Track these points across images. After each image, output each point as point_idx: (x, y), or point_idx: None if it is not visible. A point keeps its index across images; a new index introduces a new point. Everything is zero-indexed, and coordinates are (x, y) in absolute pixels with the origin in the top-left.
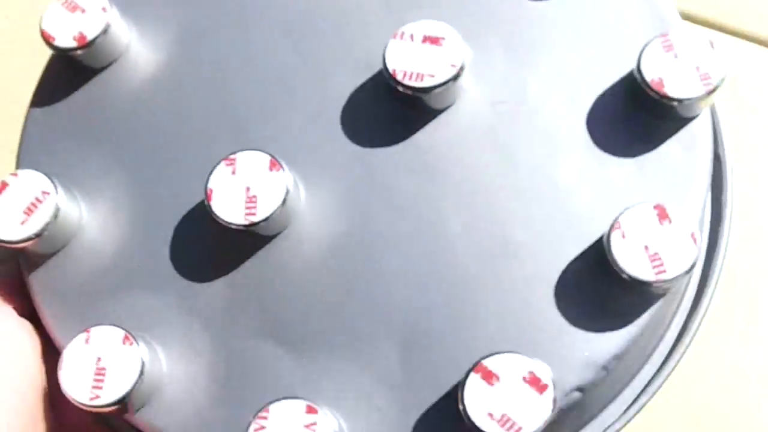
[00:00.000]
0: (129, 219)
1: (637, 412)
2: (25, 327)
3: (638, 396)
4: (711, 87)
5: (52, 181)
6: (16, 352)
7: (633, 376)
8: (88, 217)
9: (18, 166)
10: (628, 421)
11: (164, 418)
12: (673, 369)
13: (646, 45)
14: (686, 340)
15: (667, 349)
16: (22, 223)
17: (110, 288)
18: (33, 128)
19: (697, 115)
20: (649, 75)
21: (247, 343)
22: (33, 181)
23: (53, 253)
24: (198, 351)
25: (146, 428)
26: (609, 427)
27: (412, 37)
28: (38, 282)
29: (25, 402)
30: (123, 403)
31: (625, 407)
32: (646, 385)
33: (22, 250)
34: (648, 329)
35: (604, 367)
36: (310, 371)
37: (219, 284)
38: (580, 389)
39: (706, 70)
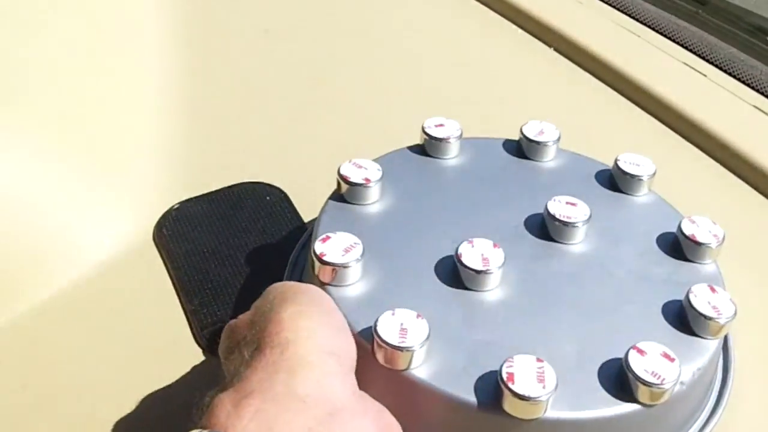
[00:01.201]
0: (403, 264)
1: None
2: None
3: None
4: (719, 241)
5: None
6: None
7: (695, 412)
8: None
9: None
10: None
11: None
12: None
13: (681, 220)
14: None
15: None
16: (342, 255)
17: (391, 298)
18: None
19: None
20: (687, 231)
21: (479, 335)
22: (346, 237)
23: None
24: (449, 335)
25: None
26: None
27: (560, 201)
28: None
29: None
30: (412, 351)
31: None
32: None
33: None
34: (713, 360)
35: (693, 373)
36: (528, 350)
37: (459, 303)
38: (682, 382)
39: (716, 232)
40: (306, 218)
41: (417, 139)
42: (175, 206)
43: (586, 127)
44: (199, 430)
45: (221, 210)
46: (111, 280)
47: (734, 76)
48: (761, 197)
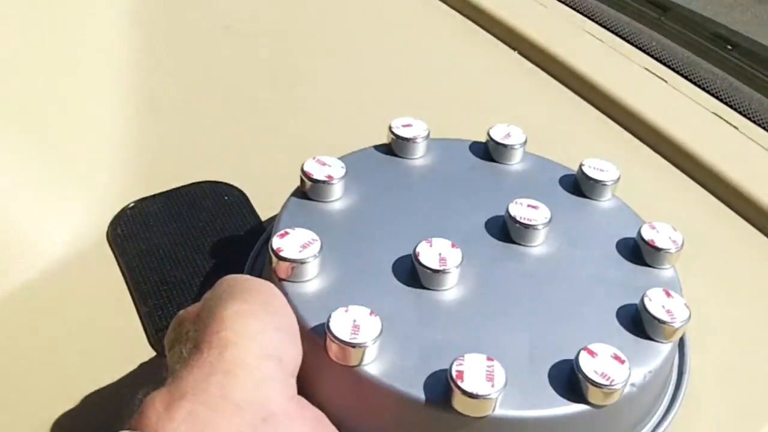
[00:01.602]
0: (361, 262)
1: None
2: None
3: None
4: (678, 247)
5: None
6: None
7: (648, 414)
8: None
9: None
10: None
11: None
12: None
13: (641, 225)
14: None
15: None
16: (299, 251)
17: (347, 295)
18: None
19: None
20: (647, 236)
21: (434, 334)
22: (305, 233)
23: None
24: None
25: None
26: None
27: (521, 203)
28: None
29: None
30: (364, 347)
31: None
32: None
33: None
34: (666, 363)
35: (644, 375)
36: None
37: (415, 302)
38: (633, 384)
39: (675, 238)
40: (264, 218)
41: (384, 139)
42: (130, 205)
43: (552, 132)
44: (128, 431)
45: (178, 209)
46: (63, 279)
47: (693, 82)
48: (720, 203)
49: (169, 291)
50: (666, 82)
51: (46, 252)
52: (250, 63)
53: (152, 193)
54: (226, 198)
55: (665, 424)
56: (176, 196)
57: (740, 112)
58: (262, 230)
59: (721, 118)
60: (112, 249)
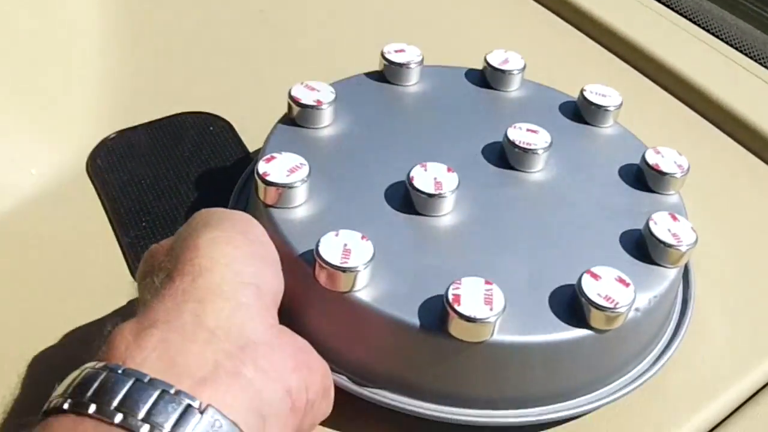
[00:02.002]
0: (353, 188)
1: (655, 373)
2: None
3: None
4: (684, 171)
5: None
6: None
7: (652, 342)
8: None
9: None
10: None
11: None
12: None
13: (646, 150)
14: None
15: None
16: (287, 176)
17: (338, 221)
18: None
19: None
20: (651, 161)
21: (429, 260)
22: (293, 157)
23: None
24: (397, 259)
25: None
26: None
27: (520, 127)
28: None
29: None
30: (355, 272)
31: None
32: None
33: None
34: (671, 289)
35: (649, 300)
36: (480, 271)
37: (409, 228)
38: (637, 309)
39: (680, 162)
40: (252, 149)
41: (376, 67)
42: (111, 136)
43: (550, 60)
44: (94, 363)
45: (161, 140)
46: (40, 211)
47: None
48: (721, 133)
49: (151, 221)
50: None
51: (21, 184)
52: None
53: (135, 125)
54: (211, 128)
55: (669, 352)
56: (159, 126)
57: (737, 48)
58: (248, 160)
59: (720, 52)
60: (91, 180)
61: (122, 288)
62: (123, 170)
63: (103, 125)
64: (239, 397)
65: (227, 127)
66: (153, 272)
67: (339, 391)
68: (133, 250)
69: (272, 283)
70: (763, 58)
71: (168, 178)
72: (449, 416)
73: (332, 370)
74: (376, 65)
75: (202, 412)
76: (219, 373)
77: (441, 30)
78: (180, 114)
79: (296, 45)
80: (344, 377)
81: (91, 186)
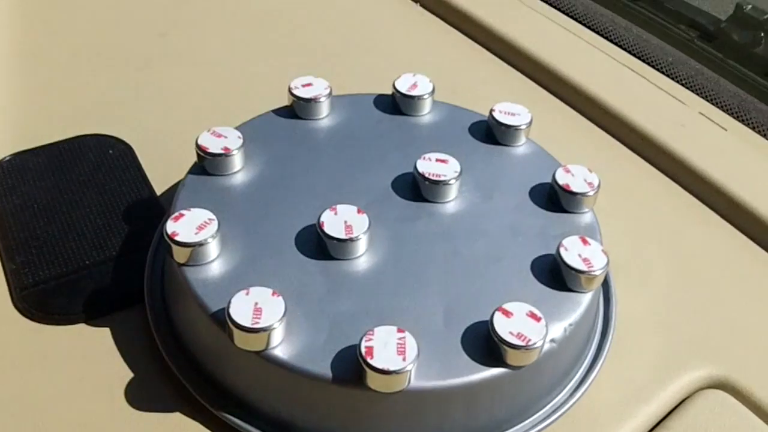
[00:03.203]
0: (265, 237)
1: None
2: None
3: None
4: (594, 189)
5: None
6: None
7: (569, 371)
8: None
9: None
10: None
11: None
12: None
13: (556, 169)
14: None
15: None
16: (195, 234)
17: (251, 275)
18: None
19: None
20: (561, 181)
21: (344, 307)
22: (201, 213)
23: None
24: (311, 309)
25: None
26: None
27: (429, 158)
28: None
29: None
30: (269, 331)
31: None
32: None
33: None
34: (587, 313)
35: (565, 329)
36: (394, 319)
37: (322, 275)
38: (552, 340)
39: (591, 180)
40: (151, 174)
41: (285, 101)
42: (6, 158)
43: (457, 80)
44: None
45: (59, 163)
46: None
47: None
48: (631, 152)
49: (39, 247)
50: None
51: None
52: (140, 20)
53: (32, 146)
54: (110, 152)
55: (592, 375)
56: (58, 149)
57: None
58: (145, 189)
59: (624, 65)
60: None
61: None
62: (16, 193)
63: (1, 147)
64: None
65: (127, 150)
66: None
67: None
68: (16, 277)
69: None
70: (658, 64)
71: (61, 201)
72: None
73: (252, 424)
74: (285, 97)
75: None
76: None
77: (347, 58)
78: (81, 136)
79: (200, 72)
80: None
81: None
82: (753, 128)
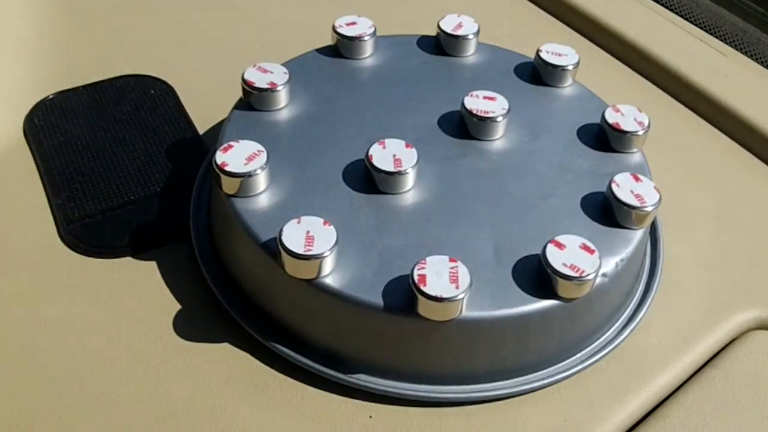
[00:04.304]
0: (313, 170)
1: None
2: None
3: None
4: (644, 129)
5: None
6: None
7: (622, 305)
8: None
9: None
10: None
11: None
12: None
13: (604, 109)
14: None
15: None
16: (245, 165)
17: (299, 207)
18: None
19: (636, 151)
20: (611, 120)
21: (393, 239)
22: (250, 145)
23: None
24: (361, 240)
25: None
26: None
27: (477, 95)
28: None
29: None
30: (320, 259)
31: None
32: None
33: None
34: (638, 250)
35: (616, 264)
36: (443, 252)
37: (372, 208)
38: (604, 275)
39: (641, 119)
40: (192, 114)
41: (329, 41)
42: (50, 97)
43: (504, 22)
44: None
45: (101, 102)
46: None
47: None
48: (675, 101)
49: (84, 183)
50: None
51: None
52: None
53: (75, 86)
54: (152, 92)
55: (640, 313)
56: (100, 88)
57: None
58: (187, 128)
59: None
60: (27, 141)
61: (50, 247)
62: (60, 131)
63: (42, 86)
64: None
65: (169, 90)
66: None
67: (312, 374)
68: (62, 211)
69: None
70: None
71: (104, 139)
72: (425, 395)
73: (304, 354)
74: (328, 39)
75: None
76: None
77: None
78: (122, 76)
79: (241, 14)
80: (316, 361)
81: (26, 146)
82: None
